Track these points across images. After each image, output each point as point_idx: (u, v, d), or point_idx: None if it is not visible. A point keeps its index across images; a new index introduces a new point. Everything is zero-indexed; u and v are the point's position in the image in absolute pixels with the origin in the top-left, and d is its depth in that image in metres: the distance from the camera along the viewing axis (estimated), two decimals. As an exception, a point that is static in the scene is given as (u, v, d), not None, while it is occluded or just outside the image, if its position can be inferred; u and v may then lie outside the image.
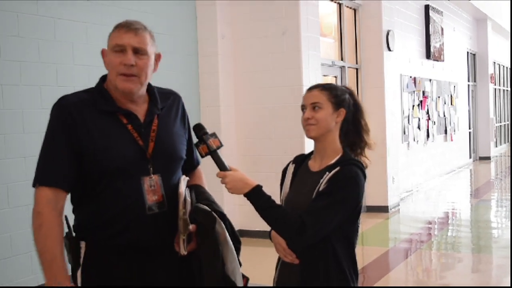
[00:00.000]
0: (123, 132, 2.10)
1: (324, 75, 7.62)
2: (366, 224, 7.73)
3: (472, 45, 15.60)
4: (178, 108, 2.30)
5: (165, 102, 2.25)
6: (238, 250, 2.18)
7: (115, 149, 2.07)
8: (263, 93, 6.86)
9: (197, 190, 2.25)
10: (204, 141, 2.14)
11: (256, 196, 2.15)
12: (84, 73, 5.30)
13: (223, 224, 2.13)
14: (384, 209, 8.53)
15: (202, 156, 2.19)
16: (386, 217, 8.38)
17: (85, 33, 5.37)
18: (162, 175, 2.13)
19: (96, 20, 5.47)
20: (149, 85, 2.21)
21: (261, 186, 2.17)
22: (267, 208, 2.14)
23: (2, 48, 4.69)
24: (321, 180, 2.20)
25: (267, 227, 2.24)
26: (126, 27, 2.09)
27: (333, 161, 2.27)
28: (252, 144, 6.92)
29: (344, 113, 2.30)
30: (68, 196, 2.14)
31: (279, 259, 2.36)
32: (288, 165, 2.45)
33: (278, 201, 2.25)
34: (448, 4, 13.02)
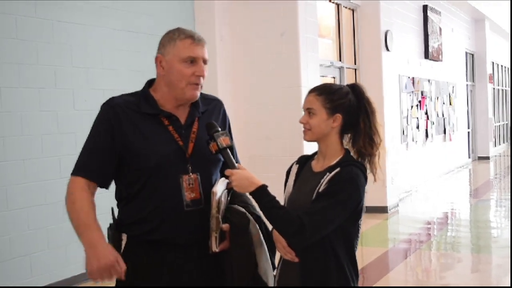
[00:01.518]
0: (164, 132, 2.21)
1: (323, 76, 7.62)
2: (365, 224, 7.72)
3: (470, 45, 15.61)
4: (219, 114, 2.40)
5: (207, 106, 2.35)
6: (273, 252, 2.28)
7: (156, 148, 2.17)
8: (262, 94, 6.86)
9: (235, 192, 2.31)
10: (215, 139, 2.20)
11: (260, 195, 2.17)
12: (82, 75, 5.29)
13: (257, 226, 2.22)
14: (383, 209, 8.53)
15: (212, 154, 2.24)
16: (385, 218, 8.38)
17: (83, 35, 5.37)
18: (200, 174, 2.22)
19: (95, 22, 5.48)
20: None
21: (267, 186, 2.19)
22: (270, 208, 2.16)
23: (0, 51, 4.70)
24: (322, 181, 2.21)
25: (269, 227, 2.27)
26: (197, 40, 2.21)
27: (334, 162, 2.28)
28: (251, 144, 6.92)
29: (340, 118, 2.28)
30: (113, 192, 2.28)
31: (280, 258, 2.37)
32: (292, 165, 2.47)
33: (281, 201, 2.27)
34: (446, 4, 13.04)
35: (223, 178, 2.27)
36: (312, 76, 6.87)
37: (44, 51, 5.01)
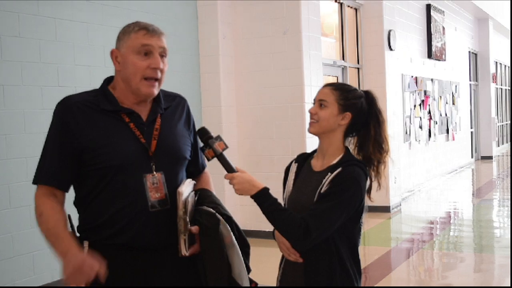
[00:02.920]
0: (125, 130, 2.11)
1: (325, 75, 7.61)
2: (368, 224, 7.72)
3: (473, 44, 15.58)
4: (183, 111, 2.31)
5: (170, 103, 2.26)
6: (247, 254, 2.19)
7: (117, 146, 2.07)
8: (264, 93, 6.85)
9: (203, 193, 2.25)
10: (210, 146, 2.16)
11: (262, 198, 2.15)
12: (85, 73, 5.30)
13: (228, 227, 2.12)
14: (386, 209, 8.53)
15: (209, 160, 2.20)
16: (388, 217, 8.37)
17: (86, 33, 5.37)
18: (165, 173, 2.13)
19: (97, 20, 5.48)
20: None
21: (268, 189, 2.17)
22: (273, 211, 2.14)
23: (3, 49, 4.69)
24: (324, 181, 2.20)
25: (269, 228, 2.24)
26: (151, 30, 2.11)
27: (335, 161, 2.27)
28: (253, 144, 6.92)
29: (349, 117, 2.27)
30: (71, 198, 2.16)
31: (282, 258, 2.36)
32: (290, 163, 2.45)
33: (281, 200, 2.25)
34: (450, 3, 13.01)
35: (189, 179, 2.22)
36: (315, 75, 6.87)
37: (46, 49, 5.01)
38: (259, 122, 6.90)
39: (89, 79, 5.30)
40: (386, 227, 8.05)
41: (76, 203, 2.18)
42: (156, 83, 2.13)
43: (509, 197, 9.90)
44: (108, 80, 2.22)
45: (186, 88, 6.48)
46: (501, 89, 19.01)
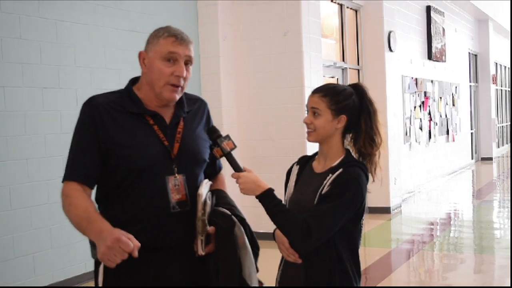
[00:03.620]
0: (149, 132, 2.15)
1: (325, 76, 7.62)
2: (368, 225, 7.73)
3: (473, 45, 15.59)
4: (203, 114, 2.36)
5: (192, 106, 2.31)
6: (256, 255, 2.22)
7: (141, 148, 2.12)
8: (265, 95, 6.86)
9: (218, 194, 2.29)
10: (218, 144, 2.19)
11: (266, 199, 2.17)
12: (86, 75, 5.30)
13: (242, 229, 2.17)
14: (386, 210, 8.52)
15: (217, 158, 2.24)
16: (388, 218, 8.37)
17: (87, 35, 5.38)
18: (186, 175, 2.18)
19: (98, 22, 5.49)
20: None
21: (273, 190, 2.19)
22: (277, 212, 2.17)
23: (4, 50, 4.70)
24: (325, 182, 2.21)
25: (268, 229, 2.26)
26: (180, 38, 2.16)
27: (336, 163, 2.28)
28: (253, 145, 6.92)
29: (345, 119, 2.28)
30: (93, 196, 2.20)
31: (282, 259, 2.37)
32: (292, 166, 2.46)
33: (282, 202, 2.26)
34: (450, 4, 13.02)
35: (206, 180, 2.26)
36: (315, 76, 6.88)
37: (47, 50, 5.02)
38: (259, 123, 6.91)
39: (89, 80, 5.30)
40: (386, 228, 8.05)
41: (98, 201, 2.22)
42: (179, 89, 2.18)
43: (509, 198, 9.90)
44: (133, 81, 2.27)
45: (186, 89, 6.47)
46: (501, 90, 19.01)
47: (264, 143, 6.88)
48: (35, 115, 4.91)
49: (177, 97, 2.18)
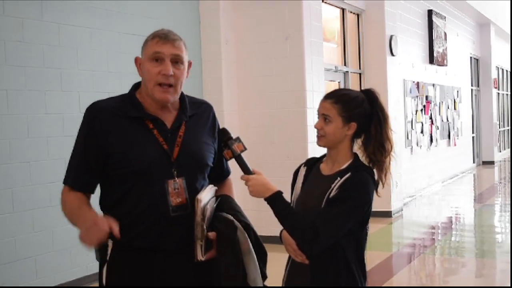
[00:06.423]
0: (148, 136, 2.17)
1: (327, 80, 7.63)
2: (369, 229, 7.71)
3: (475, 50, 15.60)
4: (208, 118, 2.37)
5: (196, 110, 2.32)
6: (264, 261, 2.22)
7: (140, 152, 2.15)
8: (266, 98, 6.87)
9: (223, 199, 2.29)
10: (229, 146, 2.22)
11: (275, 202, 2.20)
12: (88, 78, 5.32)
13: (246, 234, 2.16)
14: (387, 214, 8.53)
15: (227, 160, 2.27)
16: (389, 222, 8.38)
17: (89, 38, 5.39)
18: (186, 179, 2.19)
19: (100, 25, 5.50)
20: (181, 93, 2.28)
21: (282, 193, 2.22)
22: (286, 215, 2.19)
23: (6, 53, 4.72)
24: (332, 185, 2.23)
25: (273, 232, 2.27)
26: (164, 38, 2.17)
27: (344, 166, 2.30)
28: (255, 148, 6.92)
29: (355, 126, 2.30)
30: (97, 200, 2.25)
31: (288, 259, 2.40)
32: (299, 167, 2.48)
33: (290, 204, 2.28)
34: (451, 9, 13.04)
35: (210, 185, 2.26)
36: (317, 80, 6.89)
37: (50, 54, 5.04)
38: (261, 126, 6.91)
39: (92, 84, 5.32)
40: (387, 232, 8.05)
41: (101, 203, 2.26)
42: (171, 89, 2.17)
43: (511, 202, 9.89)
44: (136, 86, 2.30)
45: (188, 93, 6.48)
46: (503, 94, 19.01)
47: (266, 146, 6.88)
48: (38, 118, 4.93)
49: (170, 97, 2.19)
